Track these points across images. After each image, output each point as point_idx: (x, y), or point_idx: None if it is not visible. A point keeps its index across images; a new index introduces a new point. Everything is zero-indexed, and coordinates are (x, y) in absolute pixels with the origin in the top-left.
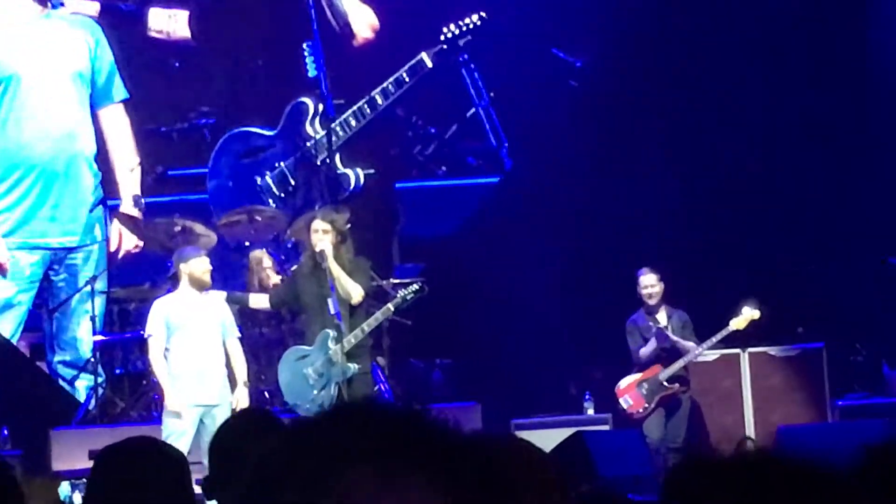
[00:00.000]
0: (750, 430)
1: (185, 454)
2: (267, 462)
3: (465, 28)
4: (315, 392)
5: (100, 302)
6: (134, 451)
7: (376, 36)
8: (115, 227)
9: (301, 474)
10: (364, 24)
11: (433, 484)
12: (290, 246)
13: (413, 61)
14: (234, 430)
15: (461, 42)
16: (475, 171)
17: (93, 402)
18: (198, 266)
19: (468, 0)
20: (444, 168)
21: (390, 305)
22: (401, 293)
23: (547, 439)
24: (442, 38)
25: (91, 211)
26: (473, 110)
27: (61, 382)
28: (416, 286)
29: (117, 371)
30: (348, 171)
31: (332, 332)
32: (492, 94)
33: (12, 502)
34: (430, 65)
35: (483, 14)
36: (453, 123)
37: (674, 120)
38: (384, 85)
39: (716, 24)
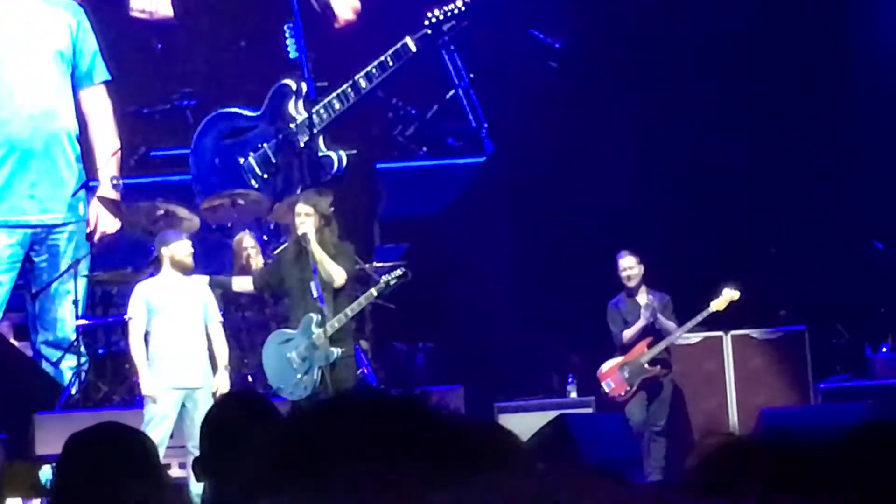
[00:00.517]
0: (733, 413)
1: (167, 438)
2: (264, 457)
3: (449, 14)
4: (298, 376)
5: (82, 285)
6: (100, 439)
7: (359, 18)
8: (94, 207)
9: (298, 469)
10: (345, 5)
11: (433, 473)
12: (272, 228)
13: (397, 46)
14: (228, 412)
15: (445, 27)
16: (455, 151)
17: (76, 386)
18: (180, 249)
19: None
20: (424, 149)
21: (373, 291)
22: (384, 278)
23: (530, 422)
24: (426, 22)
25: (74, 190)
26: (453, 91)
27: (45, 364)
28: (399, 272)
29: (100, 354)
30: (331, 154)
31: (315, 317)
32: (471, 76)
33: None
34: (413, 49)
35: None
36: (433, 104)
37: (653, 101)
38: (368, 69)
39: (696, 4)
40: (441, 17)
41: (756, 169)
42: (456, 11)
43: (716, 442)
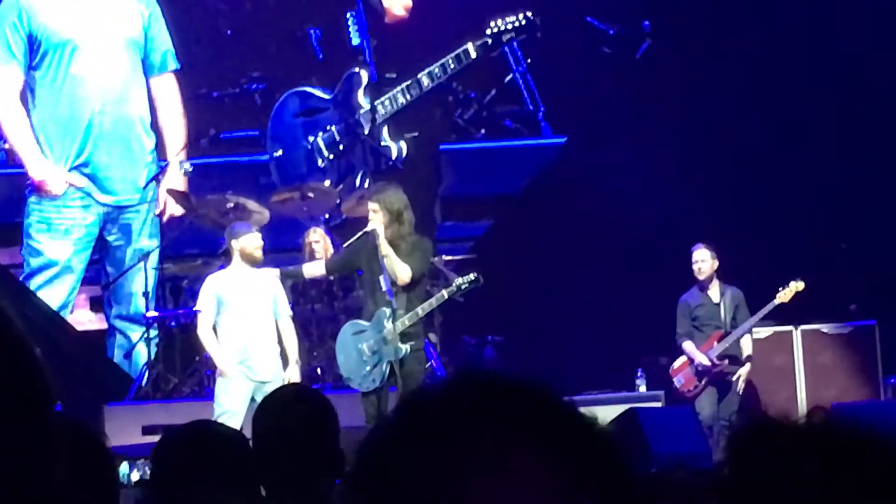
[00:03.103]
0: (802, 408)
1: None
2: (373, 451)
3: (510, 26)
4: (368, 368)
5: (153, 276)
6: (194, 437)
7: (420, 11)
8: (163, 190)
9: (415, 464)
10: (397, 2)
11: (560, 467)
12: (342, 220)
13: (459, 50)
14: (272, 405)
15: (505, 38)
16: (512, 133)
17: (145, 377)
18: (250, 242)
19: None
20: (482, 131)
21: (445, 293)
22: (456, 282)
23: (599, 416)
24: (488, 31)
25: (146, 173)
26: (511, 76)
27: (119, 336)
28: (472, 276)
29: (170, 347)
30: (391, 144)
31: (388, 311)
32: (528, 61)
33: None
34: (474, 55)
35: (529, 14)
36: (492, 89)
37: (718, 89)
38: (431, 68)
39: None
40: (503, 28)
41: (826, 162)
42: (517, 25)
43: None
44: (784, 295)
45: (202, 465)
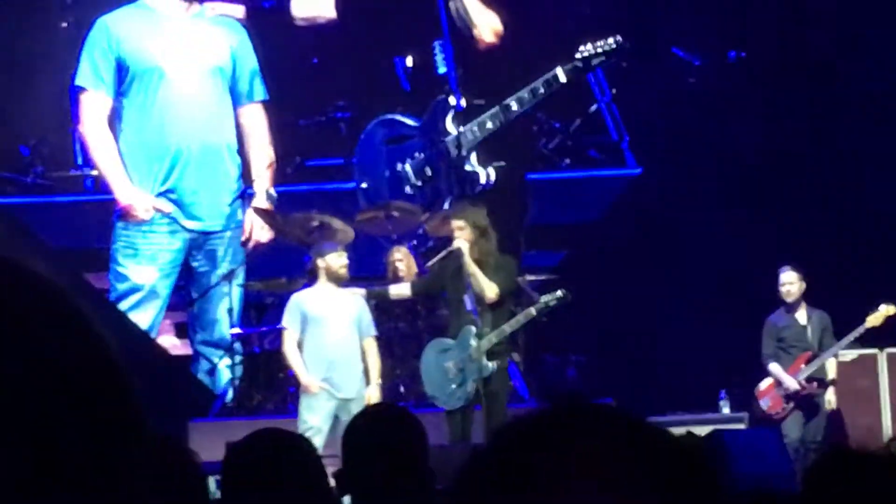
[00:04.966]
0: (888, 431)
1: (321, 449)
2: (469, 485)
3: (600, 50)
4: (453, 387)
5: (237, 294)
6: (266, 445)
7: (505, 38)
8: (249, 217)
9: (510, 498)
10: (487, 28)
11: (656, 487)
12: (427, 239)
13: (548, 75)
14: (363, 424)
15: (595, 62)
16: (597, 163)
17: (230, 394)
18: (335, 261)
19: (594, 5)
20: (567, 160)
21: (532, 310)
22: (543, 299)
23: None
24: (578, 55)
25: (232, 199)
26: (596, 105)
27: (203, 361)
28: (560, 293)
29: (254, 363)
30: (480, 169)
31: (473, 329)
32: (613, 91)
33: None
34: (563, 81)
35: (619, 38)
36: (576, 118)
37: (803, 115)
38: (520, 93)
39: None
40: (593, 52)
41: None
42: (608, 49)
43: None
44: (875, 318)
45: (271, 471)
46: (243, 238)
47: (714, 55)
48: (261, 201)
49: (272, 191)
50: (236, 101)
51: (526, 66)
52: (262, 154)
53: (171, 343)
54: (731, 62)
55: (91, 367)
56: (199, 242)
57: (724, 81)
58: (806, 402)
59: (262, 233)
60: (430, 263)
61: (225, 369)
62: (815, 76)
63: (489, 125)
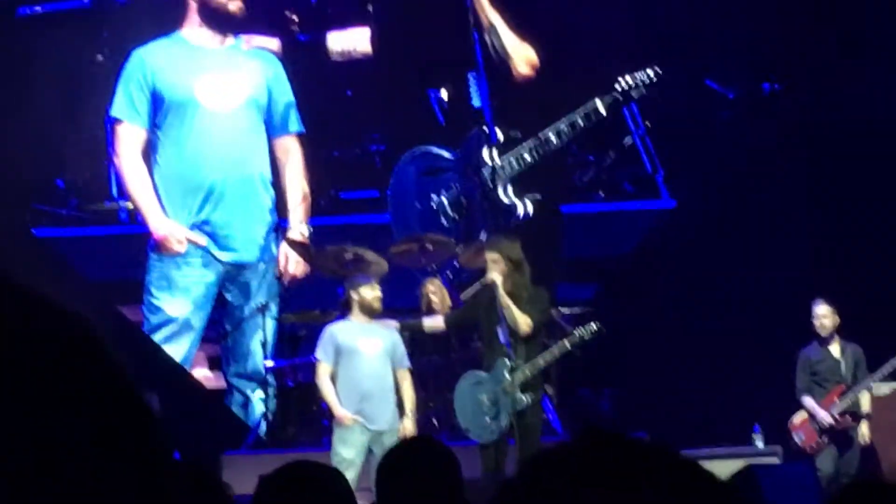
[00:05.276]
0: None
1: (356, 483)
2: None
3: (640, 82)
4: (487, 420)
5: (271, 327)
6: (298, 478)
7: (542, 71)
8: (283, 250)
9: None
10: (523, 61)
11: None
12: (461, 272)
13: (588, 107)
14: (398, 457)
15: (634, 94)
16: (631, 196)
17: (263, 427)
18: (368, 293)
19: (630, 35)
20: (601, 193)
21: (566, 343)
22: (578, 332)
23: (716, 471)
24: (617, 87)
25: (266, 232)
26: (630, 138)
27: (236, 394)
28: (594, 326)
29: (287, 395)
30: (517, 202)
31: (507, 362)
32: (648, 124)
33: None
34: (603, 113)
35: (658, 69)
36: (611, 151)
37: (840, 147)
38: (558, 126)
39: (877, 50)
40: (633, 84)
41: None
42: (647, 80)
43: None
44: None
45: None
46: (278, 272)
47: (748, 88)
48: (295, 234)
49: (306, 224)
50: (271, 133)
51: (561, 98)
52: (297, 186)
53: (204, 375)
54: (766, 95)
55: (108, 397)
56: (233, 275)
57: (759, 114)
58: (840, 436)
59: (296, 266)
60: (463, 296)
61: (258, 402)
62: (850, 108)
63: (527, 157)
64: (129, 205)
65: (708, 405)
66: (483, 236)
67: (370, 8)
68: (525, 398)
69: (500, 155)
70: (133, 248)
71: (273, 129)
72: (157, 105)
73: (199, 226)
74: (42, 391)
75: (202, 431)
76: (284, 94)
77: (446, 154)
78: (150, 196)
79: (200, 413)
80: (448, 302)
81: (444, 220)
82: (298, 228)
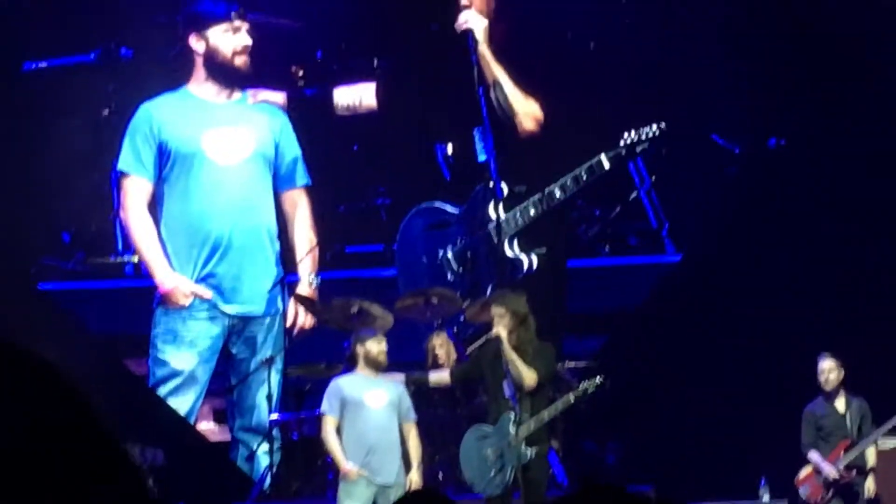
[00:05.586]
0: None
1: None
2: None
3: (644, 137)
4: (492, 474)
5: (276, 380)
6: None
7: (547, 126)
8: (292, 304)
9: None
10: (528, 116)
11: None
12: (468, 326)
13: (592, 161)
14: None
15: (639, 150)
16: (636, 250)
17: (268, 480)
18: (374, 347)
19: (635, 90)
20: (607, 247)
21: (571, 396)
22: (583, 385)
23: None
24: (621, 142)
25: (271, 285)
26: (635, 193)
27: (241, 448)
28: (598, 380)
29: (292, 449)
30: (522, 256)
31: (512, 415)
32: (653, 178)
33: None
34: (607, 167)
35: (663, 125)
36: (616, 205)
37: (846, 204)
38: (563, 180)
39: (884, 106)
40: (637, 139)
41: None
42: (651, 135)
43: None
44: None
45: None
46: (287, 325)
47: (754, 143)
48: (303, 288)
49: (314, 277)
50: (278, 186)
51: (566, 153)
52: (305, 239)
53: (209, 429)
54: (772, 150)
55: (85, 446)
56: (239, 328)
57: (765, 169)
58: (846, 490)
59: (305, 320)
60: (469, 350)
61: (263, 455)
62: (856, 164)
63: (532, 212)
64: (135, 258)
65: (714, 458)
66: (489, 290)
67: (376, 63)
68: (530, 452)
69: (505, 210)
70: (139, 301)
71: (280, 182)
72: (164, 158)
73: (205, 278)
74: (18, 434)
75: (207, 485)
76: (291, 147)
77: (452, 209)
78: (156, 249)
79: (205, 467)
80: (454, 356)
81: (449, 275)
82: (307, 280)
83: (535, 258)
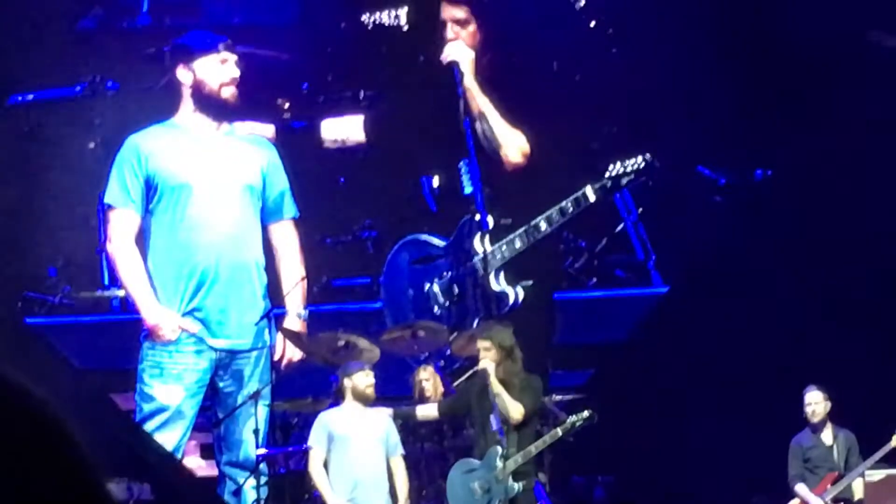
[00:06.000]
0: None
1: None
2: None
3: (630, 169)
4: None
5: (263, 414)
6: None
7: (534, 158)
8: (280, 337)
9: None
10: (514, 148)
11: None
12: (454, 360)
13: (578, 194)
14: None
15: (624, 181)
16: (623, 282)
17: None
18: (361, 380)
19: (620, 121)
20: (593, 280)
21: (559, 430)
22: (571, 419)
23: None
24: (607, 174)
25: (258, 318)
26: (622, 225)
27: (228, 482)
28: (586, 414)
29: (278, 482)
30: (508, 289)
31: (499, 449)
32: (640, 210)
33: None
34: (592, 199)
35: (649, 156)
36: (602, 237)
37: (834, 235)
38: (549, 213)
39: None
40: (623, 171)
41: None
42: (638, 167)
43: None
44: None
45: None
46: (276, 358)
47: (740, 174)
48: (291, 321)
49: (303, 310)
50: (266, 218)
51: (553, 185)
52: (294, 272)
53: (196, 464)
54: (758, 181)
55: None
56: (226, 362)
57: (751, 200)
58: None
59: (293, 353)
60: (456, 384)
61: (250, 490)
62: (842, 196)
63: (518, 244)
64: (122, 292)
65: (702, 491)
66: (475, 323)
67: (362, 96)
68: (517, 486)
69: (491, 242)
70: (125, 335)
71: (268, 214)
72: (151, 191)
73: (192, 312)
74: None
75: None
76: (280, 179)
77: (438, 242)
78: (142, 283)
79: (193, 502)
80: (441, 389)
81: (436, 308)
82: (296, 312)
83: (520, 291)
